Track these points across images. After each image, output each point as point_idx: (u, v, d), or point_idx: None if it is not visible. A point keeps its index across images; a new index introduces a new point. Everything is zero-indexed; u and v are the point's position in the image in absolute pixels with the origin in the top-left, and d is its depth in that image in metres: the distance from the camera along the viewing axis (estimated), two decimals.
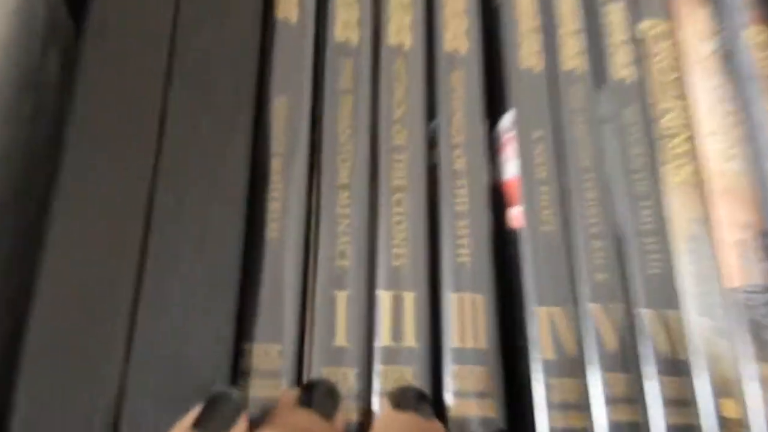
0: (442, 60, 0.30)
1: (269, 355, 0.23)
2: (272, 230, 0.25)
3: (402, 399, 0.22)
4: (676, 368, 0.27)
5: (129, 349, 0.20)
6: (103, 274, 0.20)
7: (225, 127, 0.23)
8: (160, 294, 0.21)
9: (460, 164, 0.29)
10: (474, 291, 0.26)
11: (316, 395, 0.22)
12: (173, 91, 0.22)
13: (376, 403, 0.24)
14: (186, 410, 0.19)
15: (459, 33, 0.31)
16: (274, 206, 0.25)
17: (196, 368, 0.20)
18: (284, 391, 0.22)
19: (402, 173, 0.28)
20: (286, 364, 0.23)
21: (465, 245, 0.27)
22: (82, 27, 0.22)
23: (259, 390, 0.23)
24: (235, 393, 0.20)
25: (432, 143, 0.29)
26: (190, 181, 0.22)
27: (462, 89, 0.30)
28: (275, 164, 0.26)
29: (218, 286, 0.21)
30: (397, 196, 0.27)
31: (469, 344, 0.26)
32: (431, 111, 0.30)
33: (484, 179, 0.29)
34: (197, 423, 0.19)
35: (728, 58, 0.35)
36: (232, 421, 0.20)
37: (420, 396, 0.23)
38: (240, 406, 0.20)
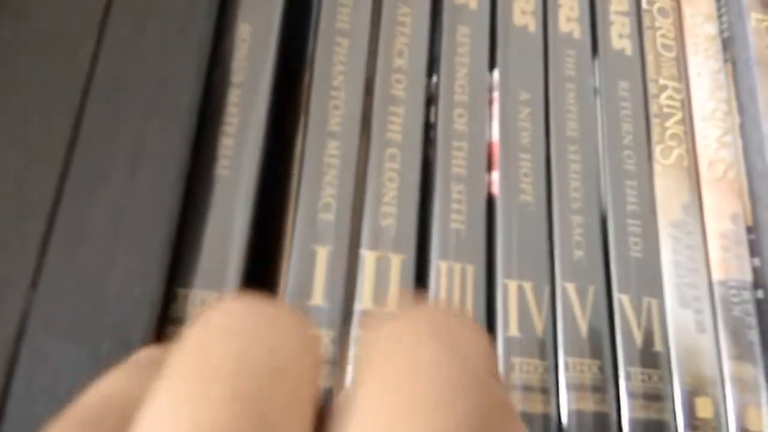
0: (450, 12, 0.28)
1: (206, 303, 0.21)
2: (222, 167, 0.23)
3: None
4: (648, 360, 0.25)
5: (37, 274, 0.17)
6: (15, 187, 0.18)
7: (174, 37, 0.20)
8: (79, 216, 0.18)
9: (460, 124, 0.26)
10: (465, 261, 0.24)
11: None
12: None
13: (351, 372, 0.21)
14: (95, 351, 0.16)
15: None
16: (226, 141, 0.23)
17: (114, 305, 0.18)
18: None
19: (397, 127, 0.25)
20: None
21: (460, 211, 0.25)
22: None
23: None
24: None
25: (430, 100, 0.27)
26: (128, 94, 0.19)
27: (468, 45, 0.27)
28: (232, 95, 0.23)
29: (151, 216, 0.18)
30: (391, 150, 0.25)
31: None
32: (431, 65, 0.27)
33: (484, 143, 0.26)
34: None
35: (730, 44, 0.33)
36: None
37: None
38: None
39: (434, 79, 0.27)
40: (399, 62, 0.27)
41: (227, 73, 0.23)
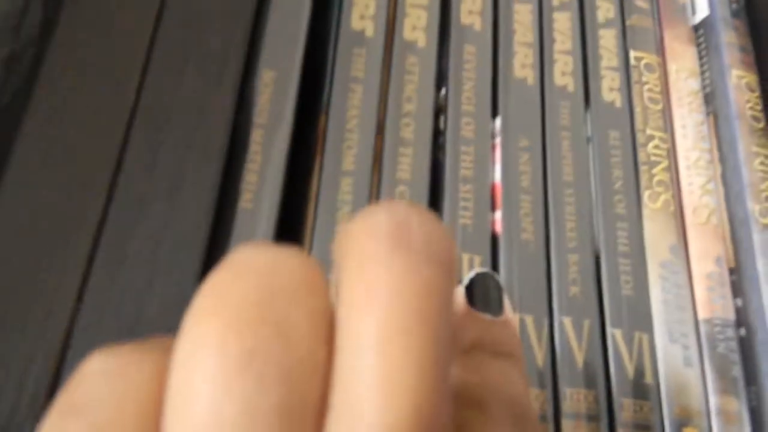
0: (456, 31, 0.30)
1: None
2: (246, 201, 0.24)
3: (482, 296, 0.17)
4: (639, 391, 0.27)
5: (82, 292, 0.18)
6: (64, 210, 0.19)
7: (210, 82, 0.22)
8: (121, 244, 0.19)
9: (467, 131, 0.28)
10: (473, 252, 0.26)
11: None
12: (161, 36, 0.21)
13: None
14: None
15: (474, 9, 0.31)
16: (250, 177, 0.24)
17: (153, 328, 0.19)
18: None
19: (406, 166, 0.27)
20: None
21: (468, 208, 0.27)
22: None
23: None
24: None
25: (438, 110, 0.29)
26: (168, 132, 0.21)
27: (474, 61, 0.30)
28: (256, 135, 0.25)
29: (186, 244, 0.20)
30: (400, 188, 0.27)
31: None
32: (437, 110, 0.30)
33: (488, 146, 0.29)
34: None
35: (711, 98, 0.35)
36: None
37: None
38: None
39: (443, 91, 0.30)
40: (408, 107, 0.29)
41: (252, 115, 0.25)
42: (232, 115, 0.22)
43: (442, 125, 0.29)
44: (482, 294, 0.17)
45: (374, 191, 0.27)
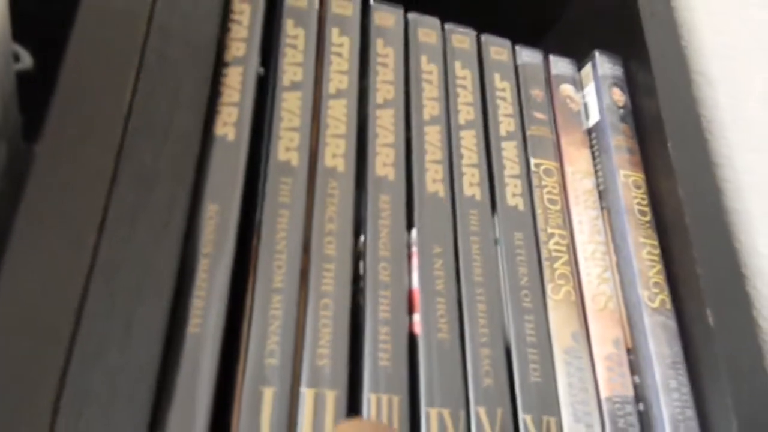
0: (372, 183, 0.34)
1: None
2: (194, 325, 0.27)
3: None
4: None
5: None
6: (28, 360, 0.22)
7: (159, 228, 0.26)
8: (84, 383, 0.22)
9: (384, 276, 0.32)
10: (392, 392, 0.29)
11: None
12: (116, 192, 0.25)
13: None
14: None
15: (388, 162, 0.35)
16: (197, 303, 0.28)
17: None
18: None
19: (330, 281, 0.31)
20: None
21: (386, 350, 0.30)
22: (42, 126, 0.25)
23: None
24: None
25: (358, 256, 0.33)
26: (123, 276, 0.24)
27: (389, 210, 0.34)
28: (203, 264, 0.29)
29: (141, 375, 0.23)
30: (324, 300, 0.30)
31: None
32: (357, 228, 0.33)
33: (405, 290, 0.32)
34: None
35: (604, 195, 0.40)
36: None
37: None
38: None
39: (362, 238, 0.33)
40: (330, 226, 0.32)
41: (198, 246, 0.29)
42: (179, 260, 0.26)
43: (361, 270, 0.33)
44: None
45: (301, 305, 0.30)
